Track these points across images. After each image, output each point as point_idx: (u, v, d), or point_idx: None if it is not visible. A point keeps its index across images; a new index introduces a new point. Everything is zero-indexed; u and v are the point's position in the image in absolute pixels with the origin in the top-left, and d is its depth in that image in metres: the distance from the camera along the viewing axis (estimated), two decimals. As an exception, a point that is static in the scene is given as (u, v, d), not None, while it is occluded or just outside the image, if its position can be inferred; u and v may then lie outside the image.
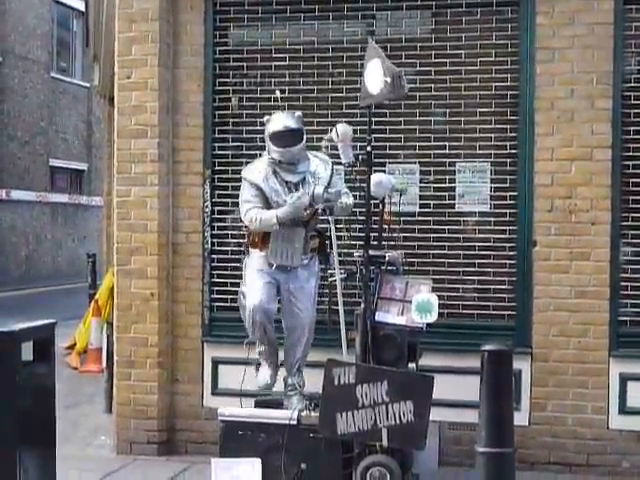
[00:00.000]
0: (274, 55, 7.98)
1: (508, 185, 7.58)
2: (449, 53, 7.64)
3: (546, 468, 7.34)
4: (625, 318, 7.38)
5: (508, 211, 7.57)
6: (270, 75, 7.97)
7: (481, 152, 7.64)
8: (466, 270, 7.61)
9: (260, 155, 7.16)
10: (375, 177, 6.71)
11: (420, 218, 7.69)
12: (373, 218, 6.79)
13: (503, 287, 7.55)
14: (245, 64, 8.06)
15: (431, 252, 7.63)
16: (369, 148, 6.59)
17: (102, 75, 14.61)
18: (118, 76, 8.04)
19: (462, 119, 7.69)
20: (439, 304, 6.40)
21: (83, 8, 18.05)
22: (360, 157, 6.71)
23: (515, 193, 7.53)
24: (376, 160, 6.85)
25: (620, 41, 7.32)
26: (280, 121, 6.87)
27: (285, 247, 6.83)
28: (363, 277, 6.56)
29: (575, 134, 7.35)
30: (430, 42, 7.72)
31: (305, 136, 6.90)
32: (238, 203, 6.99)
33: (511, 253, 7.55)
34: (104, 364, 10.03)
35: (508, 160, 7.59)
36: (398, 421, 6.16)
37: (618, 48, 7.32)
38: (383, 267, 6.73)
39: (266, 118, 6.97)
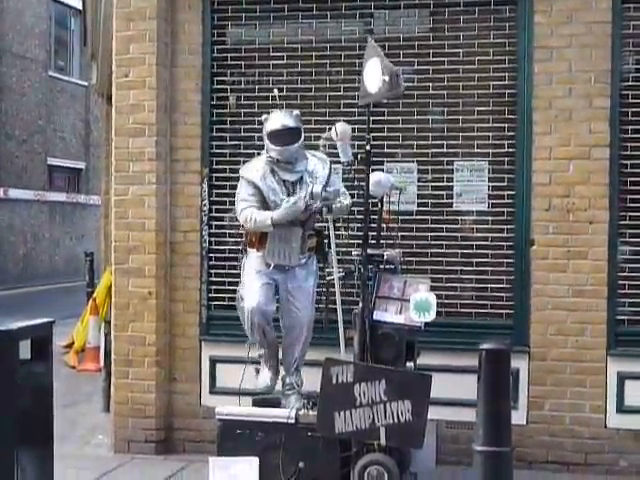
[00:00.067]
0: (272, 54, 7.97)
1: (506, 184, 7.58)
2: (447, 52, 7.64)
3: (544, 467, 7.35)
4: (623, 317, 7.38)
5: (506, 210, 7.57)
6: (268, 74, 7.97)
7: (479, 151, 7.64)
8: (464, 269, 7.61)
9: (258, 154, 7.17)
10: (374, 176, 6.72)
11: (418, 217, 7.68)
12: (371, 217, 6.79)
13: (501, 286, 7.55)
14: (243, 63, 8.06)
15: (429, 251, 7.63)
16: (368, 147, 6.60)
17: (100, 74, 14.57)
18: (116, 75, 8.04)
19: (460, 118, 7.69)
20: (437, 303, 6.40)
21: (81, 7, 18.02)
22: (359, 156, 6.71)
23: (513, 192, 7.54)
24: (374, 159, 6.85)
25: (618, 40, 7.33)
26: (278, 120, 6.88)
27: (282, 247, 6.84)
28: (361, 276, 6.57)
29: (573, 133, 7.35)
30: (428, 41, 7.72)
31: (303, 135, 6.90)
32: (235, 202, 7.00)
33: (509, 252, 7.55)
34: (102, 363, 10.03)
35: (506, 159, 7.59)
36: (396, 420, 6.16)
37: (616, 47, 7.32)
38: (381, 266, 6.74)
39: (264, 117, 6.98)
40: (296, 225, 6.79)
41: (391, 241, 7.04)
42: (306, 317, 6.91)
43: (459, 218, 7.75)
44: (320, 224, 7.02)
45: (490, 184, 7.63)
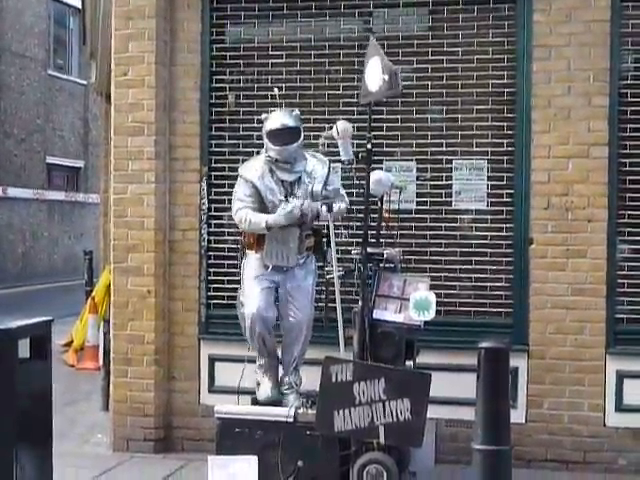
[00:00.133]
0: (271, 52, 7.97)
1: (505, 182, 7.58)
2: (446, 50, 7.64)
3: (543, 465, 7.35)
4: (622, 315, 7.38)
5: (505, 208, 7.57)
6: (267, 72, 7.97)
7: (478, 149, 7.64)
8: (463, 267, 7.61)
9: (257, 152, 7.17)
10: (374, 175, 6.72)
11: (417, 215, 7.69)
12: (371, 216, 6.80)
13: (500, 284, 7.55)
14: (242, 61, 8.06)
15: (428, 249, 7.63)
16: (369, 146, 6.60)
17: (99, 72, 14.57)
18: (115, 73, 8.03)
19: (459, 116, 7.69)
20: (436, 301, 6.41)
21: (80, 5, 18.02)
22: (360, 155, 6.70)
23: (512, 190, 7.54)
24: (373, 158, 6.84)
25: (617, 38, 7.33)
26: (278, 119, 6.88)
27: (280, 248, 6.85)
28: (361, 275, 6.57)
29: (572, 131, 7.35)
30: (427, 39, 7.72)
31: (303, 134, 6.90)
32: (232, 200, 7.01)
33: (508, 250, 7.55)
34: (101, 361, 10.02)
35: (505, 157, 7.59)
36: (395, 419, 6.16)
37: (615, 45, 7.32)
38: (381, 265, 6.74)
39: (264, 116, 6.99)
40: (293, 225, 6.80)
41: (391, 240, 7.04)
42: (305, 317, 6.91)
43: (458, 217, 7.75)
44: (318, 223, 7.01)
45: (489, 183, 7.63)
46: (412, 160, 7.78)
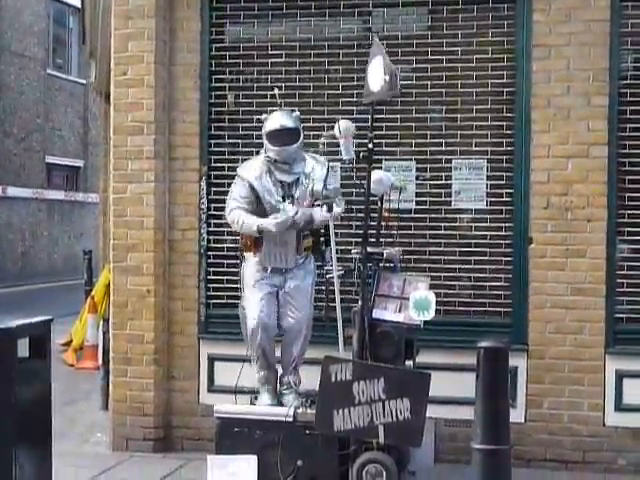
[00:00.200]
0: (270, 52, 7.97)
1: (504, 182, 7.58)
2: (445, 50, 7.64)
3: (542, 465, 7.35)
4: (621, 315, 7.38)
5: (504, 208, 7.57)
6: (266, 72, 7.97)
7: (477, 149, 7.64)
8: (462, 267, 7.61)
9: (257, 152, 7.17)
10: (374, 174, 6.72)
11: (416, 215, 7.69)
12: (371, 215, 6.80)
13: (499, 284, 7.55)
14: (241, 61, 8.05)
15: (427, 249, 7.64)
16: (370, 145, 6.60)
17: (98, 72, 14.57)
18: (114, 73, 8.03)
19: (458, 116, 7.69)
20: (436, 301, 6.41)
21: (79, 5, 18.02)
22: (361, 154, 6.70)
23: (511, 190, 7.54)
24: (373, 157, 6.84)
25: (616, 38, 7.32)
26: (277, 120, 6.89)
27: (278, 249, 6.87)
28: (361, 274, 6.57)
29: (571, 131, 7.35)
30: (426, 39, 7.73)
31: (302, 135, 6.91)
32: (227, 198, 7.04)
33: (507, 250, 7.55)
34: (100, 361, 10.02)
35: (504, 157, 7.59)
36: (395, 418, 6.17)
37: (614, 45, 7.32)
38: (381, 264, 6.74)
39: (264, 116, 7.00)
40: (309, 223, 6.82)
41: (390, 239, 7.04)
42: (305, 316, 6.91)
43: (458, 216, 7.76)
44: (311, 227, 7.00)
45: (488, 182, 7.63)
46: (412, 160, 7.78)
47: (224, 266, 7.89)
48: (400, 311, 6.59)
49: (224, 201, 7.69)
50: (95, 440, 8.43)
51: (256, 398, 7.06)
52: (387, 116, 7.66)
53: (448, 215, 7.70)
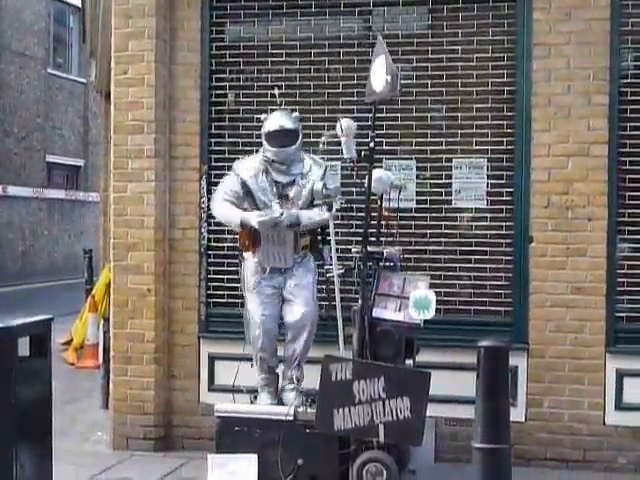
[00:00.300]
0: (271, 51, 7.97)
1: (505, 181, 7.57)
2: (446, 49, 7.64)
3: (542, 464, 7.35)
4: (622, 314, 7.38)
5: (504, 207, 7.57)
6: (267, 71, 7.97)
7: (478, 148, 7.64)
8: (462, 266, 7.61)
9: (256, 151, 7.16)
10: (375, 173, 6.72)
11: (417, 214, 7.68)
12: (371, 214, 6.80)
13: (499, 283, 7.55)
14: (242, 60, 8.05)
15: (428, 248, 7.64)
16: (372, 144, 6.60)
17: (99, 71, 14.59)
18: (115, 72, 8.03)
19: (459, 115, 7.69)
20: (436, 300, 6.41)
21: (79, 4, 18.03)
22: (362, 153, 6.70)
23: (512, 189, 7.53)
24: (374, 156, 6.84)
25: (617, 37, 7.32)
26: (276, 120, 6.90)
27: (276, 249, 6.88)
28: (361, 273, 6.57)
29: (572, 130, 7.35)
30: (427, 38, 7.72)
31: (301, 136, 6.92)
32: (217, 188, 7.12)
33: (507, 249, 7.55)
34: (101, 360, 10.02)
35: (505, 156, 7.59)
36: (395, 417, 6.17)
37: (615, 44, 7.32)
38: (381, 263, 6.74)
39: (264, 116, 7.00)
40: (292, 227, 6.82)
41: (391, 238, 7.03)
42: (310, 312, 6.89)
43: (458, 215, 7.75)
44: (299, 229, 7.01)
45: (489, 181, 7.63)
46: (412, 159, 7.77)
47: (224, 265, 7.89)
48: (400, 310, 6.58)
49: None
50: (95, 439, 8.44)
51: (255, 398, 7.07)
52: (387, 115, 7.65)
53: (448, 214, 7.69)
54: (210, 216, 7.91)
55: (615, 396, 7.33)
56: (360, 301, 6.54)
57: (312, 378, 6.67)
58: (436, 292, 6.55)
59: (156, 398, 7.90)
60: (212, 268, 7.99)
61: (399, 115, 7.70)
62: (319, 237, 7.01)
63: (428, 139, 7.70)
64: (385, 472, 6.26)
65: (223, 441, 6.75)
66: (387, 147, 7.70)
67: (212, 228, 7.98)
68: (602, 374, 7.33)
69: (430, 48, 7.67)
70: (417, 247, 7.61)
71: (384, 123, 7.64)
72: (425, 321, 6.47)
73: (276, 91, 7.16)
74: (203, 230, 7.98)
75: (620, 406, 7.33)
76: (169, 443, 7.96)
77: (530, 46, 7.41)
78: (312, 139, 7.27)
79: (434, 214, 7.67)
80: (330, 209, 6.73)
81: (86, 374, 11.67)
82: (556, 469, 7.31)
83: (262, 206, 6.85)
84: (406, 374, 6.36)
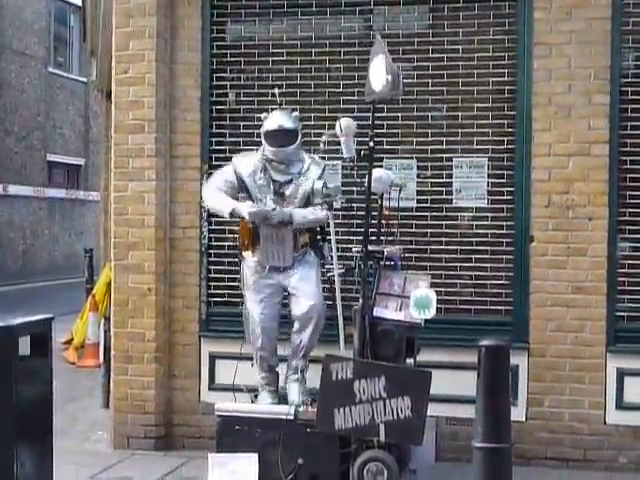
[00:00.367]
0: (271, 50, 7.97)
1: (505, 180, 7.57)
2: (446, 48, 7.64)
3: (543, 463, 7.35)
4: (622, 313, 7.38)
5: (505, 206, 7.57)
6: (267, 70, 7.97)
7: (478, 147, 7.64)
8: (463, 265, 7.61)
9: (257, 150, 7.16)
10: (375, 172, 6.72)
11: (417, 213, 7.68)
12: (372, 213, 6.79)
13: (500, 282, 7.55)
14: (242, 59, 8.05)
15: (428, 247, 7.63)
16: (372, 143, 6.60)
17: (99, 70, 14.59)
18: (115, 71, 8.03)
19: (459, 114, 7.69)
20: (436, 299, 6.41)
21: (80, 3, 18.05)
22: (362, 152, 6.70)
23: (512, 188, 7.53)
24: (374, 155, 6.84)
25: (618, 36, 7.32)
26: (275, 120, 6.90)
27: (275, 247, 6.87)
28: (361, 272, 6.57)
29: (572, 130, 7.35)
30: (427, 37, 7.72)
31: (300, 136, 6.92)
32: (213, 174, 7.17)
33: (508, 248, 7.55)
34: (101, 359, 10.03)
35: (505, 155, 7.59)
36: (395, 417, 6.16)
37: (616, 43, 7.32)
38: (382, 262, 6.74)
39: (264, 115, 7.00)
40: (285, 225, 6.81)
41: (391, 238, 7.03)
42: (316, 306, 6.84)
43: (458, 214, 7.76)
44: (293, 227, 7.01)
45: (489, 180, 7.63)
46: (412, 158, 7.77)
47: (225, 264, 7.89)
48: (401, 309, 6.59)
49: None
50: (96, 438, 8.44)
51: (256, 397, 7.07)
52: (388, 114, 7.65)
53: (449, 213, 7.69)
54: (211, 215, 7.92)
55: (616, 395, 7.33)
56: (361, 300, 6.53)
57: (313, 377, 6.68)
58: (437, 291, 6.55)
59: (157, 397, 7.91)
60: (213, 267, 7.99)
61: (400, 114, 7.69)
62: (318, 236, 7.01)
63: (429, 138, 7.70)
64: (386, 471, 6.26)
65: (224, 440, 6.75)
66: (388, 146, 7.70)
67: (213, 227, 7.98)
68: (603, 373, 7.33)
69: (431, 47, 7.66)
70: (418, 246, 7.61)
71: (385, 122, 7.65)
72: (426, 320, 6.47)
73: (276, 90, 7.16)
74: (204, 229, 7.98)
75: (621, 405, 7.33)
76: (170, 442, 7.96)
77: (531, 45, 7.41)
78: (313, 138, 7.28)
79: (435, 213, 7.66)
80: (331, 208, 6.73)
81: (87, 373, 11.67)
82: (557, 468, 7.31)
83: (257, 203, 6.85)
84: (407, 373, 6.36)
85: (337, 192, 6.85)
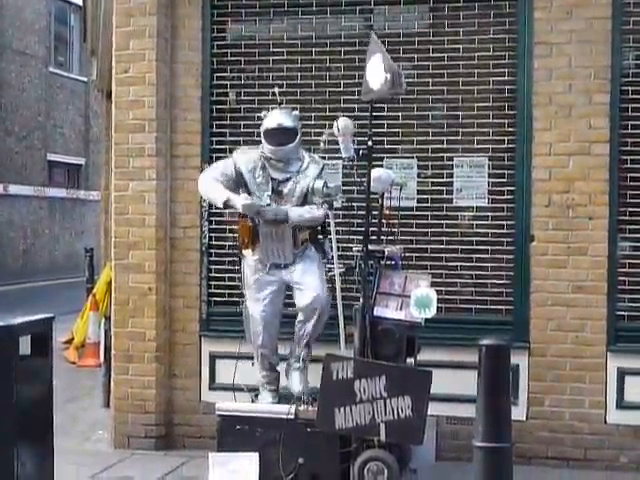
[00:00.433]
0: (272, 50, 7.97)
1: (506, 180, 7.57)
2: (447, 48, 7.64)
3: (544, 463, 7.35)
4: (622, 313, 7.38)
5: (506, 206, 7.57)
6: (268, 70, 7.96)
7: (479, 147, 7.64)
8: (464, 265, 7.61)
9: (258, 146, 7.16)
10: (375, 172, 6.72)
11: (418, 213, 7.68)
12: (372, 213, 6.79)
13: (501, 282, 7.55)
14: (243, 59, 8.05)
15: (429, 247, 7.63)
16: (370, 143, 6.60)
17: (100, 69, 14.59)
18: (116, 70, 8.03)
19: (460, 114, 7.68)
20: (437, 299, 6.41)
21: (80, 2, 18.07)
22: (361, 152, 6.70)
23: (513, 188, 7.53)
24: (374, 155, 6.84)
25: (618, 35, 7.31)
26: (275, 118, 6.90)
27: (275, 245, 6.86)
28: (362, 272, 6.57)
29: (573, 129, 7.35)
30: (428, 37, 7.72)
31: (299, 135, 6.92)
32: (211, 164, 7.23)
33: (509, 248, 7.55)
34: (102, 358, 10.03)
35: (506, 155, 7.58)
36: (396, 416, 6.17)
37: (616, 42, 7.31)
38: (382, 262, 6.74)
39: (263, 113, 7.00)
40: (284, 222, 6.81)
41: (392, 237, 7.03)
42: (320, 297, 6.79)
43: (459, 214, 7.76)
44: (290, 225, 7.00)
45: (490, 180, 7.63)
46: (413, 157, 7.77)
47: (225, 264, 7.88)
48: (401, 309, 6.59)
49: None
50: (96, 437, 8.44)
51: (256, 396, 7.07)
52: (388, 114, 7.66)
53: (449, 213, 7.69)
54: (211, 215, 7.93)
55: (616, 395, 7.33)
56: (361, 300, 6.54)
57: (314, 377, 6.68)
58: (437, 291, 6.56)
59: (157, 397, 7.91)
60: (213, 267, 8.00)
61: (400, 114, 7.70)
62: (319, 236, 7.00)
63: (429, 138, 7.70)
64: (386, 471, 6.26)
65: (224, 440, 6.76)
66: (388, 146, 7.70)
67: (213, 227, 7.99)
68: (603, 373, 7.33)
69: (431, 47, 7.66)
70: (418, 246, 7.61)
71: (385, 122, 7.65)
72: (426, 320, 6.47)
73: (276, 90, 7.15)
74: (204, 229, 7.98)
75: (621, 405, 7.33)
76: (170, 442, 7.96)
77: (531, 45, 7.41)
78: (313, 138, 7.28)
79: (435, 213, 7.66)
80: (331, 208, 6.73)
81: (87, 373, 11.67)
82: (557, 468, 7.31)
83: (255, 199, 6.85)
84: (407, 373, 6.36)
85: (337, 192, 6.85)
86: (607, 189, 7.31)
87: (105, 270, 12.52)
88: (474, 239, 7.62)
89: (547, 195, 7.38)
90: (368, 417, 6.21)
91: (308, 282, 6.84)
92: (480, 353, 5.24)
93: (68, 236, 32.35)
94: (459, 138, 7.66)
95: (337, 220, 6.93)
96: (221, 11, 8.03)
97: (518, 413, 7.15)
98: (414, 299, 6.41)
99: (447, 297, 7.41)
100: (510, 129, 7.54)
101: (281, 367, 7.14)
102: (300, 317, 6.93)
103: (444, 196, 7.69)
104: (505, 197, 7.56)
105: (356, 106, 7.43)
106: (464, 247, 7.62)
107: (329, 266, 6.93)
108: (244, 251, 7.02)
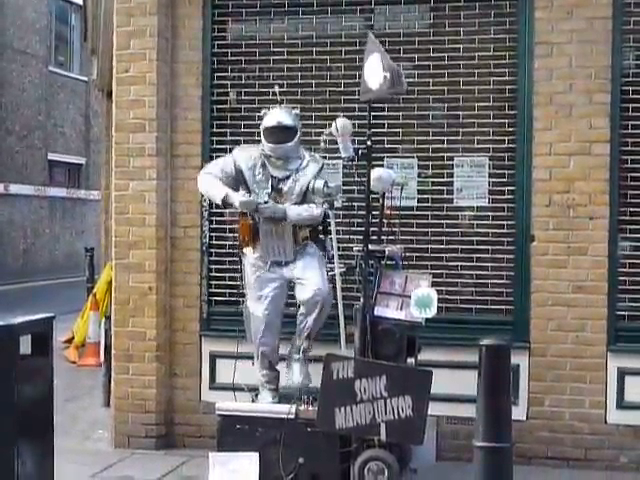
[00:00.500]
0: (272, 49, 7.97)
1: (506, 180, 7.57)
2: (447, 48, 7.64)
3: (544, 463, 7.35)
4: (623, 313, 7.38)
5: (506, 206, 7.57)
6: (268, 69, 7.96)
7: (479, 147, 7.64)
8: (464, 265, 7.61)
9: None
10: (375, 172, 6.72)
11: (418, 212, 7.68)
12: (372, 213, 6.80)
13: (501, 282, 7.55)
14: (243, 58, 8.05)
15: (429, 247, 7.63)
16: (369, 142, 6.60)
17: (100, 69, 14.58)
18: (116, 70, 8.03)
19: (460, 114, 7.68)
20: (437, 298, 6.41)
21: (81, 2, 18.04)
22: (360, 151, 6.71)
23: (513, 188, 7.53)
24: (374, 154, 6.84)
25: (619, 35, 7.31)
26: (275, 116, 6.90)
27: (276, 243, 6.87)
28: (362, 272, 6.57)
29: (573, 129, 7.35)
30: (428, 37, 7.72)
31: (299, 134, 6.93)
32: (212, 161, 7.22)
33: (509, 248, 7.55)
34: (102, 358, 10.03)
35: (506, 155, 7.58)
36: (396, 416, 6.17)
37: (617, 42, 7.31)
38: (382, 262, 6.74)
39: (264, 112, 7.00)
40: (282, 220, 6.81)
41: (392, 237, 7.03)
42: (322, 292, 6.78)
43: (459, 214, 7.76)
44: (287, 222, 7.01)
45: (490, 180, 7.62)
46: (413, 157, 7.77)
47: (226, 263, 7.89)
48: (402, 309, 6.59)
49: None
50: (97, 437, 8.45)
51: (257, 396, 7.07)
52: (389, 113, 7.66)
53: (450, 212, 7.69)
54: (211, 214, 7.93)
55: (616, 395, 7.33)
56: (362, 299, 6.54)
57: (314, 377, 6.67)
58: (438, 290, 6.56)
59: (157, 396, 7.91)
60: (213, 266, 8.00)
61: (400, 114, 7.70)
62: (320, 235, 7.00)
63: (429, 137, 7.70)
64: (386, 471, 6.27)
65: (224, 439, 6.76)
66: (389, 145, 7.70)
67: (213, 226, 7.99)
68: (603, 373, 7.33)
69: (431, 46, 7.66)
70: (419, 245, 7.61)
71: (386, 122, 7.65)
72: (427, 319, 6.48)
73: (276, 89, 7.16)
74: (204, 228, 7.98)
75: (621, 405, 7.33)
76: (170, 441, 7.96)
77: (532, 45, 7.41)
78: (313, 137, 7.28)
79: (436, 212, 7.66)
80: (332, 207, 6.74)
81: (87, 372, 11.67)
82: (557, 468, 7.31)
83: (254, 197, 6.85)
84: (408, 373, 6.36)
85: (338, 191, 6.85)
86: (607, 189, 7.31)
87: (105, 270, 12.53)
88: (474, 239, 7.62)
89: (547, 195, 7.38)
90: (368, 417, 6.21)
91: (309, 277, 6.84)
92: (480, 353, 5.25)
93: (68, 236, 32.35)
94: (459, 138, 7.66)
95: (337, 220, 6.93)
96: (222, 11, 8.03)
97: (518, 413, 7.14)
98: (415, 299, 6.41)
99: (447, 297, 7.41)
100: (510, 129, 7.54)
101: (281, 367, 7.13)
102: (302, 310, 6.92)
103: (444, 196, 7.69)
104: (505, 197, 7.56)
105: (356, 106, 7.42)
106: (464, 247, 7.62)
107: (330, 266, 6.93)
108: (245, 249, 7.03)
